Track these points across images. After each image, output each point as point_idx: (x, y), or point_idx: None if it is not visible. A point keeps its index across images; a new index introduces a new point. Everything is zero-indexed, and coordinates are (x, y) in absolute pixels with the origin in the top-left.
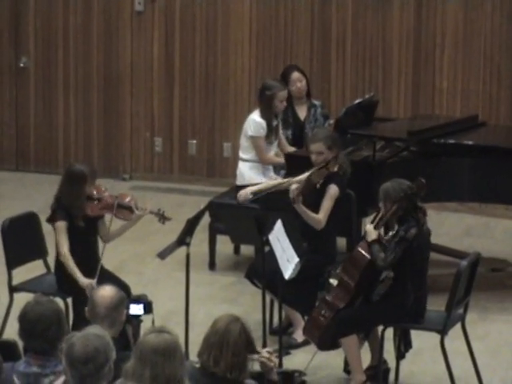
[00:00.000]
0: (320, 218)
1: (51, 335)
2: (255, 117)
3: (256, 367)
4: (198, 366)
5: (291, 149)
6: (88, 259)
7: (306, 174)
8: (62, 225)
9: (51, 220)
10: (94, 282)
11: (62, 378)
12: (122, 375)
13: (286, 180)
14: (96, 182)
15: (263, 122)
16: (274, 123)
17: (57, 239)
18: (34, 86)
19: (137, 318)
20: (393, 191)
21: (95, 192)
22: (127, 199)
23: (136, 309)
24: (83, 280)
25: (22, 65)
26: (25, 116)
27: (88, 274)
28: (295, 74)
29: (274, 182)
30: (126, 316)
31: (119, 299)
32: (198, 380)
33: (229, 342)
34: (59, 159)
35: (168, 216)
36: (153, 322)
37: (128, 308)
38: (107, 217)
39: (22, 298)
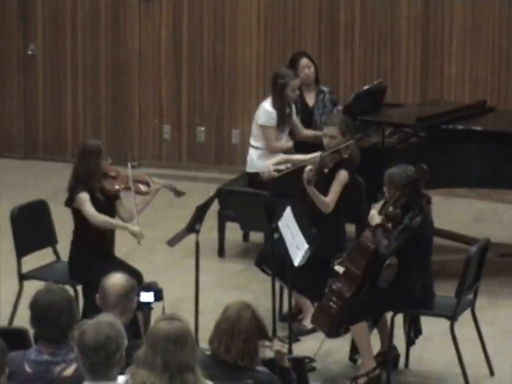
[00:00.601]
0: (328, 201)
1: (62, 323)
2: (267, 106)
3: (267, 354)
4: (208, 353)
5: (308, 131)
6: (106, 240)
7: (317, 157)
8: (84, 195)
9: (70, 200)
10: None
11: (73, 366)
12: (134, 362)
13: (303, 157)
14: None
15: (274, 112)
16: (287, 111)
17: (83, 209)
18: (43, 73)
19: (147, 306)
20: (397, 177)
21: (110, 170)
22: (141, 174)
23: (146, 296)
24: (133, 227)
25: (30, 52)
26: (33, 104)
27: (105, 255)
28: (304, 61)
29: (293, 157)
30: (136, 303)
31: (130, 287)
32: (209, 367)
33: (240, 329)
34: (68, 147)
35: (181, 190)
36: (163, 309)
37: (138, 295)
38: (125, 197)
39: (32, 286)
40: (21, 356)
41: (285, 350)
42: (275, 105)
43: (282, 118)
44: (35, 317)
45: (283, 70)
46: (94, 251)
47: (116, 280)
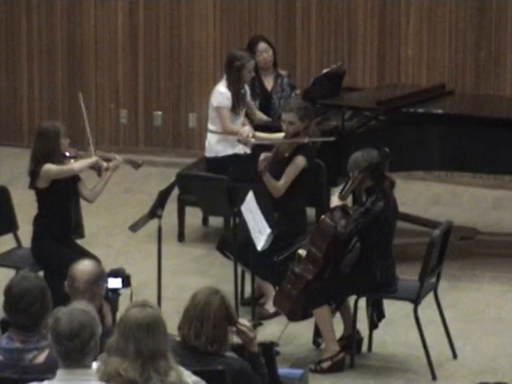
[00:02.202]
0: (279, 185)
1: (35, 311)
2: (220, 88)
3: (237, 340)
4: (178, 339)
5: (261, 114)
6: (69, 222)
7: (277, 135)
8: (48, 165)
9: (34, 180)
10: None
11: (44, 354)
12: (105, 350)
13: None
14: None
15: (228, 93)
16: (242, 92)
17: (54, 173)
18: None
19: (115, 292)
20: (362, 160)
21: (69, 150)
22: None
23: (114, 282)
24: (93, 158)
25: None
26: None
27: (68, 238)
28: (262, 45)
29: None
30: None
31: (99, 273)
32: (179, 353)
33: (209, 315)
34: (24, 132)
35: (139, 162)
36: (131, 295)
37: (106, 282)
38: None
39: None
40: None
41: (251, 333)
42: (231, 87)
43: (238, 100)
44: (8, 303)
45: (238, 51)
46: (57, 233)
47: (84, 267)
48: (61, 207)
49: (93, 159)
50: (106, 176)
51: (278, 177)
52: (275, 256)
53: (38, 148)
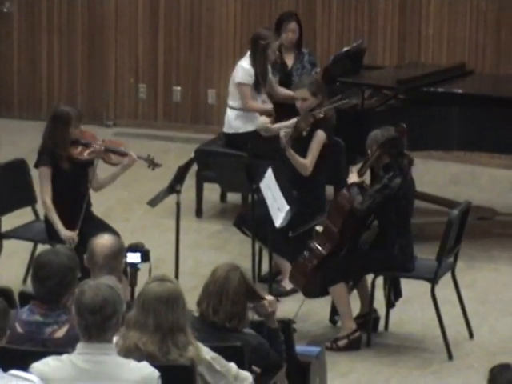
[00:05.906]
0: (306, 162)
1: (50, 285)
2: (244, 63)
3: (256, 316)
4: (196, 314)
5: (281, 89)
6: (77, 207)
7: (292, 120)
8: (44, 171)
9: (37, 165)
10: (75, 234)
11: (65, 328)
12: (124, 324)
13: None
14: (82, 127)
15: (251, 70)
16: (265, 71)
17: (40, 184)
18: (18, 31)
19: (134, 267)
20: (380, 137)
21: (83, 137)
22: (116, 144)
23: (133, 257)
24: (64, 232)
25: (5, 10)
26: (8, 62)
27: (76, 221)
28: (292, 25)
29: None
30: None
31: (118, 248)
32: (197, 329)
33: (228, 291)
34: (43, 105)
35: (158, 162)
36: (150, 270)
37: (125, 256)
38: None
39: (11, 245)
40: (12, 315)
41: (271, 307)
42: (255, 65)
43: (263, 79)
44: (33, 275)
45: (264, 31)
46: (62, 213)
47: (104, 241)
48: (62, 189)
49: (57, 227)
50: (116, 171)
51: (298, 154)
52: (290, 232)
53: (47, 133)
